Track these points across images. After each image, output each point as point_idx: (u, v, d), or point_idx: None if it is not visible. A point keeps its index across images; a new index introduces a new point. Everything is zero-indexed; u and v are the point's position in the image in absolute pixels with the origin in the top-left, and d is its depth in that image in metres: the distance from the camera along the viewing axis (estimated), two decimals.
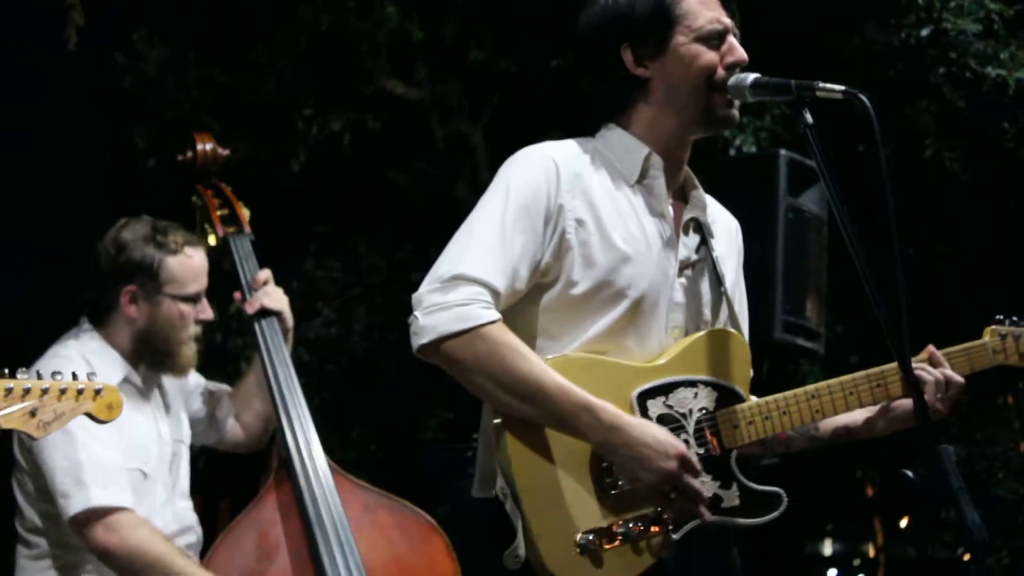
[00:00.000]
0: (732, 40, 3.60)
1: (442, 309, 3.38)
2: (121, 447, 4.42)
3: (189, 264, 4.61)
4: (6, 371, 3.23)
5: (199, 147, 5.16)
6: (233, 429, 5.00)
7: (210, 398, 4.94)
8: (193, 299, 4.60)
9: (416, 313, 3.42)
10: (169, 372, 4.65)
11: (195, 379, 4.93)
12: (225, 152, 5.21)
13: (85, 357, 4.51)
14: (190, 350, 4.63)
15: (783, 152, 7.57)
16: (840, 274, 7.73)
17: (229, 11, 10.67)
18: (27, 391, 3.21)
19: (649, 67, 3.57)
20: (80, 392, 3.29)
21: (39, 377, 3.27)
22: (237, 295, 4.91)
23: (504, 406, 3.39)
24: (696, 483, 3.42)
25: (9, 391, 3.19)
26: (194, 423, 4.89)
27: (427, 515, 4.74)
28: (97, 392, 3.32)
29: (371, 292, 11.48)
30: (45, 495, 4.42)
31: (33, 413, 3.21)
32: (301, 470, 4.61)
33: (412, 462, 10.04)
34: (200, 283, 4.63)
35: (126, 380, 4.54)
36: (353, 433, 10.81)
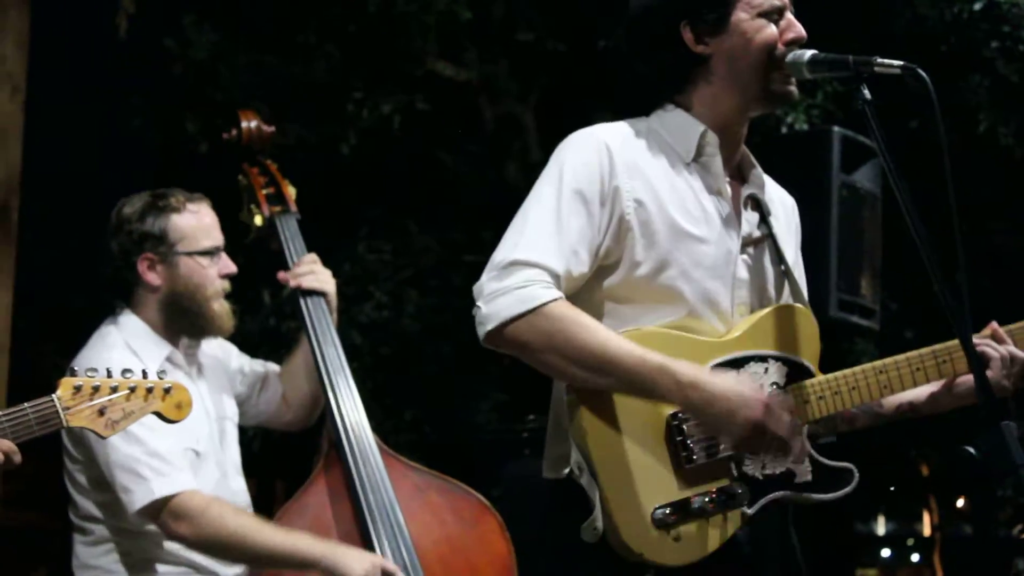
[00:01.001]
0: (791, 16, 3.56)
1: (502, 294, 3.35)
2: (174, 429, 4.42)
3: (195, 219, 4.57)
4: (75, 368, 3.21)
5: (244, 125, 5.12)
6: (280, 408, 4.99)
7: (256, 378, 4.93)
8: (209, 253, 4.57)
9: (478, 303, 3.38)
10: (207, 334, 4.62)
11: (239, 360, 4.92)
12: (270, 129, 5.17)
13: (128, 343, 4.50)
14: (222, 308, 4.59)
15: (836, 129, 7.52)
16: (894, 251, 7.69)
17: None
18: (96, 389, 3.20)
19: (709, 44, 3.53)
20: (149, 391, 3.29)
21: (108, 375, 3.25)
22: (281, 275, 4.89)
23: (579, 381, 3.36)
24: (784, 427, 3.37)
25: (78, 389, 3.18)
26: (241, 403, 4.88)
27: (479, 495, 4.72)
28: (167, 391, 3.32)
29: (423, 274, 11.49)
30: (99, 485, 4.42)
31: (102, 412, 3.21)
32: (350, 452, 4.60)
33: (465, 444, 10.06)
34: (213, 238, 4.59)
35: (168, 359, 4.54)
36: (406, 416, 10.82)
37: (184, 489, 4.31)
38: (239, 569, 4.55)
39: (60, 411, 3.14)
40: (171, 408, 3.33)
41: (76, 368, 4.44)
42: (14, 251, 6.48)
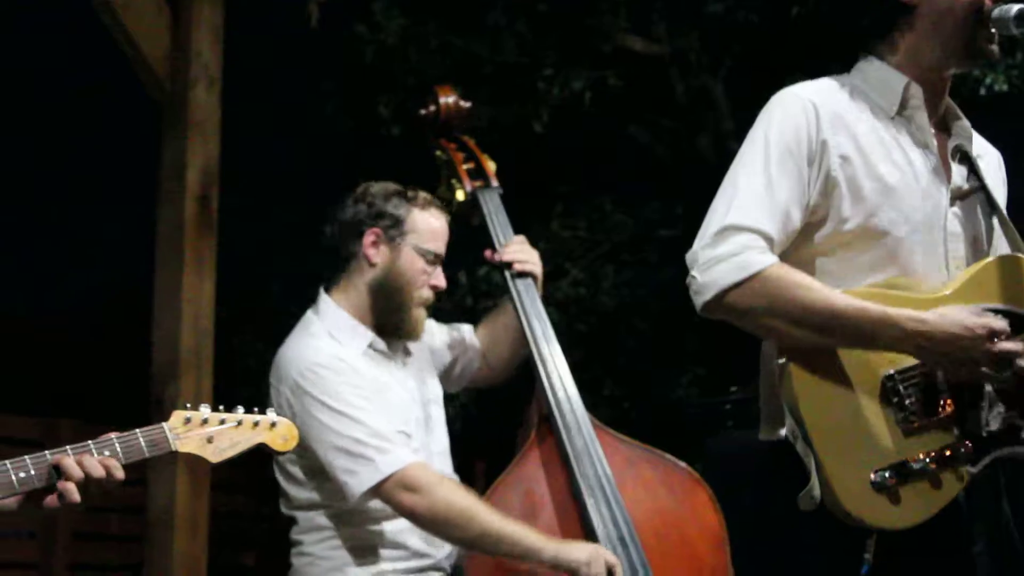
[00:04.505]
0: None
1: (718, 262, 3.32)
2: (386, 410, 4.47)
3: (434, 222, 4.59)
4: (187, 405, 3.41)
5: (441, 100, 5.12)
6: (481, 370, 4.99)
7: (457, 345, 4.93)
8: (432, 258, 4.59)
9: (693, 272, 3.36)
10: (398, 333, 4.62)
11: (440, 333, 4.92)
12: (467, 105, 5.16)
13: (331, 334, 4.53)
14: (420, 315, 4.59)
15: None
16: None
17: None
18: (205, 421, 3.40)
19: None
20: (256, 424, 3.46)
21: (217, 410, 3.42)
22: (488, 253, 4.88)
23: (800, 341, 3.32)
24: (1014, 348, 3.28)
25: (188, 420, 3.37)
26: (446, 372, 4.90)
27: (689, 468, 4.69)
28: (273, 424, 3.49)
29: (618, 249, 11.48)
30: (313, 475, 4.47)
31: (210, 440, 3.40)
32: (563, 425, 4.59)
33: (665, 419, 10.03)
34: (439, 246, 4.60)
35: (371, 346, 4.57)
36: (605, 391, 10.83)
37: (413, 462, 4.35)
38: (449, 549, 4.57)
39: (169, 438, 3.34)
40: (276, 440, 3.50)
41: (281, 357, 4.53)
42: (215, 240, 6.59)
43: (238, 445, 3.43)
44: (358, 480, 4.32)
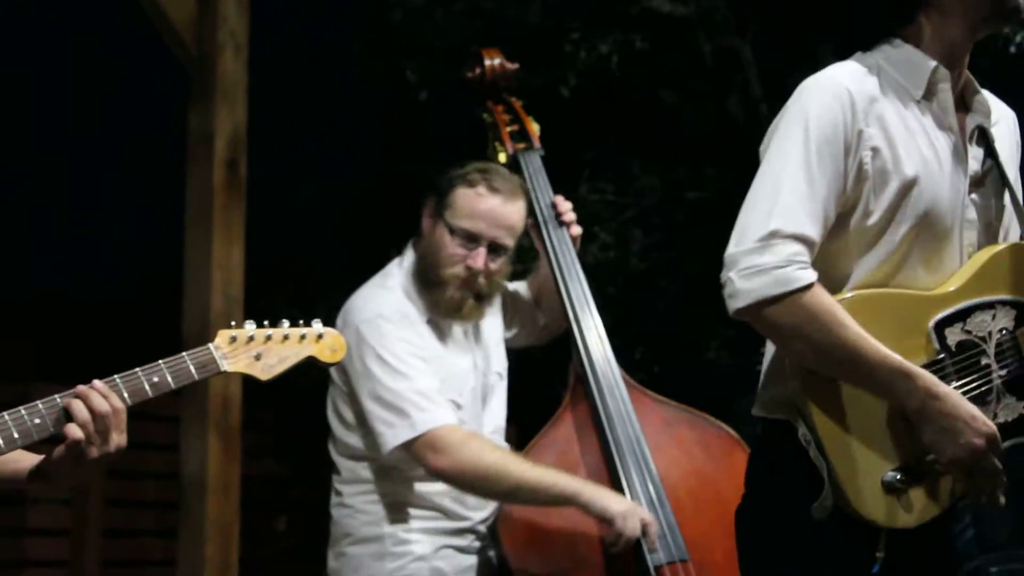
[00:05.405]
0: None
1: (760, 272, 3.29)
2: (440, 377, 4.48)
3: (475, 200, 4.53)
4: (232, 323, 3.36)
5: (487, 62, 5.13)
6: (543, 328, 5.01)
7: (527, 307, 4.94)
8: (465, 237, 4.54)
9: (731, 275, 3.33)
10: (439, 311, 4.61)
11: (512, 291, 4.92)
12: (513, 66, 5.16)
13: (405, 287, 4.56)
14: (456, 295, 4.55)
15: None
16: None
17: None
18: (251, 339, 3.34)
19: None
20: (302, 337, 3.41)
21: (262, 326, 3.36)
22: (528, 221, 4.84)
23: (815, 366, 3.32)
24: (998, 465, 3.31)
25: (234, 339, 3.32)
26: (515, 333, 4.91)
27: (729, 428, 4.70)
28: (319, 336, 3.43)
29: (647, 213, 11.45)
30: (362, 423, 4.49)
31: (258, 357, 3.34)
32: (596, 387, 4.60)
33: (696, 381, 10.02)
34: (478, 226, 4.52)
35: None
36: (636, 355, 10.82)
37: (444, 423, 4.37)
38: (486, 514, 4.58)
39: (216, 357, 3.29)
40: (324, 351, 3.44)
41: (351, 303, 4.53)
42: (244, 206, 6.60)
43: (287, 360, 3.39)
44: (393, 433, 4.35)
